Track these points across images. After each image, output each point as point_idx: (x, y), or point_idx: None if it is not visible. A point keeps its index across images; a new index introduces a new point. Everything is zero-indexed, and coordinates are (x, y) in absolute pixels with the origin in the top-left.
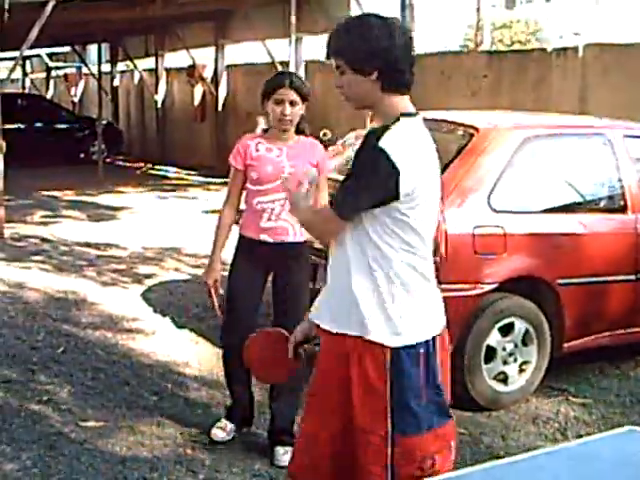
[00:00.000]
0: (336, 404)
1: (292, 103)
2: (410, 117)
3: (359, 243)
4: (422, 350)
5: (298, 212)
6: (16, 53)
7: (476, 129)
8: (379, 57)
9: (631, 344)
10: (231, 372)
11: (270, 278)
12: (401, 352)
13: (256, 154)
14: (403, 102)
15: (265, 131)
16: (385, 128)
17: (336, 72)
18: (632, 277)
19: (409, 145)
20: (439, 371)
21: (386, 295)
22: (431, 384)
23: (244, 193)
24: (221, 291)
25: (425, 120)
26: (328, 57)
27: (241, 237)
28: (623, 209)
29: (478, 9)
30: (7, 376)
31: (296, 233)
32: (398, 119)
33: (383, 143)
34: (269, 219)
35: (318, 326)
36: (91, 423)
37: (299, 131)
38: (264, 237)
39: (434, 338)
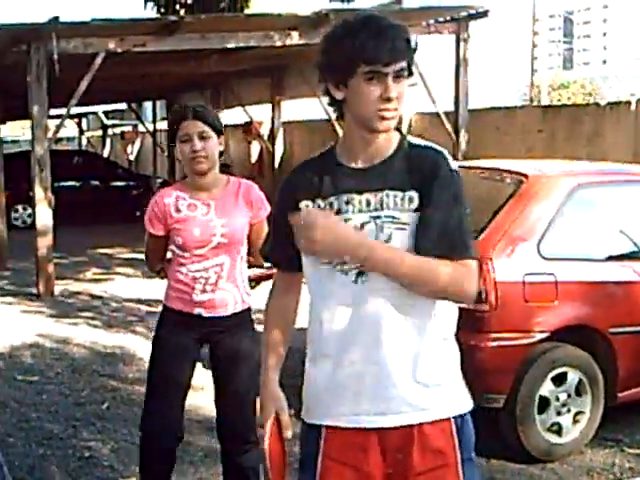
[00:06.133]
0: None
1: (202, 136)
2: None
3: None
4: None
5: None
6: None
7: (525, 176)
8: None
9: None
10: (148, 464)
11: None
12: None
13: (177, 215)
14: None
15: (182, 179)
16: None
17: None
18: None
19: None
20: None
21: None
22: None
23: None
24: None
25: (475, 168)
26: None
27: (168, 310)
28: None
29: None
30: (49, 432)
31: (237, 302)
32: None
33: (454, 163)
34: (204, 290)
35: None
36: None
37: (224, 172)
38: (199, 311)
39: None
